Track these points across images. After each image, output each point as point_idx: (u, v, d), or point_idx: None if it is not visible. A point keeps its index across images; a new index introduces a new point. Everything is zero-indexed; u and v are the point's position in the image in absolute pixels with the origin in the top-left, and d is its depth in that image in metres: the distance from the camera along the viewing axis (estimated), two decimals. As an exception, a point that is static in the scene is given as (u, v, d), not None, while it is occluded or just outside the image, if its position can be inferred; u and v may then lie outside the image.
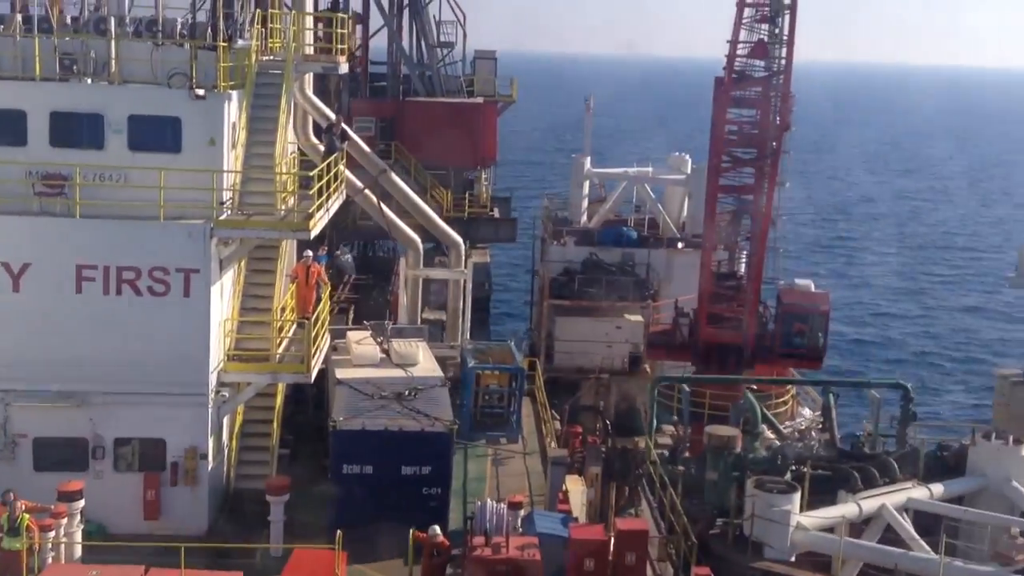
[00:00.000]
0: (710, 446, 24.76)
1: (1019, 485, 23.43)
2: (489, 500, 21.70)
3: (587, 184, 53.56)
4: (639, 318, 46.38)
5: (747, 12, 34.94)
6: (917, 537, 21.42)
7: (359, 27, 57.59)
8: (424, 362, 28.01)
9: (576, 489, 30.39)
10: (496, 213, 57.97)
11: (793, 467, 23.66)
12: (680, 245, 49.47)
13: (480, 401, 30.00)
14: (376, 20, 55.48)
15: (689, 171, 52.27)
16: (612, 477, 35.51)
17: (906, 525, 21.86)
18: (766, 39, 34.71)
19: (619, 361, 46.04)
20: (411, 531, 20.84)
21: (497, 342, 33.13)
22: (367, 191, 32.60)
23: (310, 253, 27.71)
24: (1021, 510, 22.94)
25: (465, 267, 34.62)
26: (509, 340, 32.73)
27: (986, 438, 24.20)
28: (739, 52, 35.37)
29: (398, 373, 27.03)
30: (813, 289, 40.97)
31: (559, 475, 25.59)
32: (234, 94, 24.52)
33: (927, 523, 22.92)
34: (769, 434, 28.01)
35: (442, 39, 55.35)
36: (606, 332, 46.55)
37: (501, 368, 30.03)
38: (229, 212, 23.81)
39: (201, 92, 23.51)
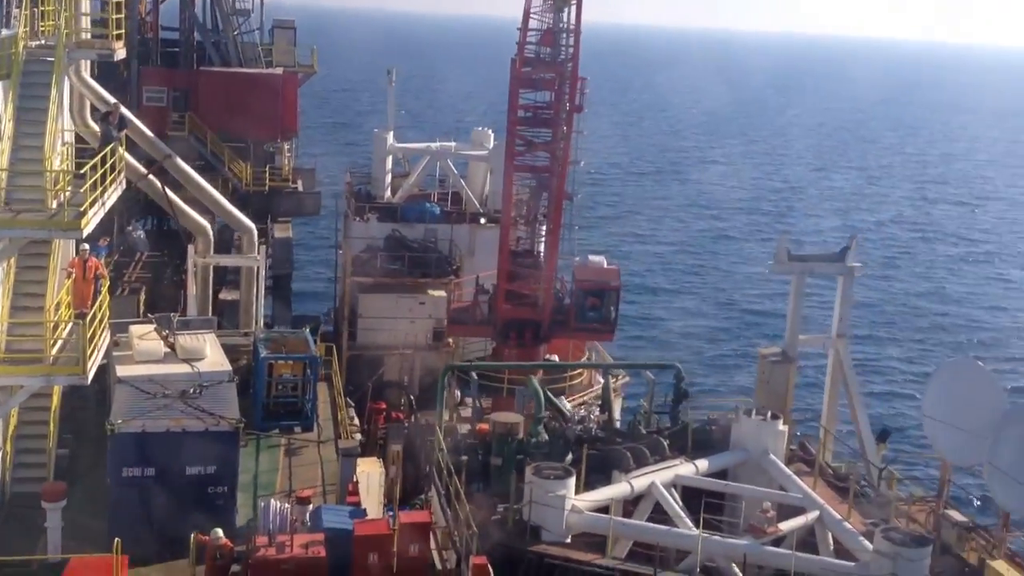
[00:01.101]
0: (494, 433, 25.58)
1: (776, 458, 25.34)
2: (272, 500, 21.76)
3: (390, 159, 53.40)
4: (442, 293, 46.94)
5: (536, 1, 35.75)
6: (681, 513, 22.90)
7: (149, -8, 55.41)
8: (211, 356, 27.55)
9: (374, 472, 30.82)
10: (300, 186, 57.25)
11: (573, 449, 24.75)
12: (483, 221, 50.13)
13: (273, 391, 29.80)
14: (167, -16, 53.58)
15: (491, 147, 52.92)
16: (415, 453, 36.26)
17: (672, 502, 23.32)
18: (552, 27, 35.56)
19: (423, 336, 46.56)
20: (192, 535, 20.71)
21: (291, 331, 32.82)
22: (151, 177, 31.57)
23: (87, 246, 26.66)
24: (778, 483, 24.85)
25: (259, 253, 34.04)
26: (305, 328, 32.52)
27: (747, 414, 26.00)
28: (529, 40, 36.10)
29: (183, 369, 26.49)
30: (606, 265, 42.43)
31: (349, 466, 25.87)
32: (-2, 84, 23.32)
33: (707, 498, 24.40)
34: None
35: (238, 7, 53.87)
36: (409, 308, 46.88)
37: (294, 357, 29.89)
38: (-6, 209, 22.72)
39: (-42, 84, 22.26)
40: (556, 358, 46.27)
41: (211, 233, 33.88)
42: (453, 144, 53.86)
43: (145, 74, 51.66)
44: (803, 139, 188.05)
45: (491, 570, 19.70)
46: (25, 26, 24.90)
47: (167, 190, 32.18)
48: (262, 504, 21.59)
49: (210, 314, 34.16)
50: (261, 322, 34.31)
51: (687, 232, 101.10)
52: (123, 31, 28.70)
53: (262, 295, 34.39)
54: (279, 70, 53.50)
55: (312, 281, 67.45)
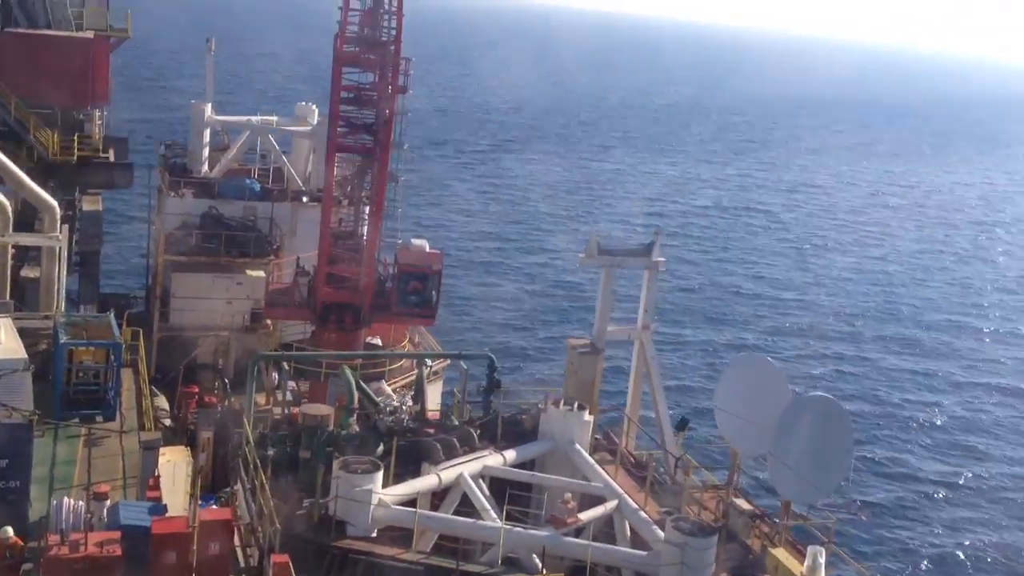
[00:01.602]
0: (304, 425, 25.35)
1: (581, 448, 26.15)
2: (65, 497, 20.95)
3: (208, 131, 51.67)
4: (261, 274, 45.88)
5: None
6: (487, 505, 23.34)
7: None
8: (5, 342, 26.23)
9: (180, 461, 29.95)
10: (112, 157, 54.74)
11: (384, 441, 24.81)
12: (305, 199, 49.29)
13: (73, 378, 28.55)
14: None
15: (315, 123, 51.96)
16: (227, 440, 35.30)
17: (478, 493, 23.73)
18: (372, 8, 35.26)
19: (240, 318, 45.49)
20: (-25, 537, 19.76)
21: (94, 315, 31.49)
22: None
23: None
24: (582, 472, 25.65)
25: (61, 232, 32.42)
26: (109, 312, 31.21)
27: (555, 405, 26.70)
28: (350, 20, 35.62)
29: (-27, 356, 25.15)
30: (428, 249, 42.52)
31: (151, 459, 25.11)
32: None
33: (513, 489, 24.90)
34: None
35: (47, -36, 50.90)
36: (226, 288, 45.62)
37: (96, 344, 28.71)
38: None
39: None
40: (379, 340, 46.19)
41: (9, 211, 32.02)
42: (275, 118, 52.69)
43: (-59, 35, 48.31)
44: (622, 123, 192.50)
45: (292, 567, 19.59)
46: None
47: (-41, 164, 30.15)
48: (54, 501, 20.75)
49: (8, 294, 32.32)
50: (62, 304, 32.68)
51: (507, 218, 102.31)
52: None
53: (63, 276, 32.75)
54: (89, 33, 50.94)
55: (124, 258, 64.67)
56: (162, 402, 43.29)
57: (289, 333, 45.80)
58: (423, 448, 24.82)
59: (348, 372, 26.72)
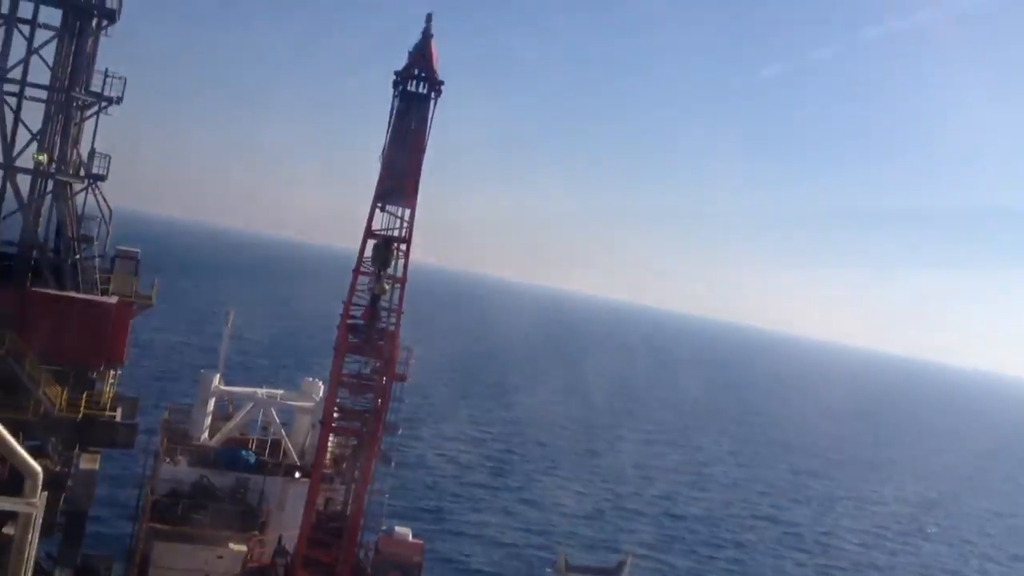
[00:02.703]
0: None
1: None
2: None
3: (212, 400, 52.52)
4: (244, 548, 45.27)
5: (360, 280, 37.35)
6: None
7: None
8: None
9: None
10: (119, 415, 55.41)
11: None
12: (297, 475, 49.21)
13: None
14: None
15: (319, 398, 52.72)
16: None
17: None
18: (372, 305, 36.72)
19: (217, 592, 44.52)
20: None
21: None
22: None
23: None
24: None
25: (39, 500, 32.35)
26: None
27: None
28: (352, 312, 37.06)
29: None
30: (411, 539, 41.88)
31: None
32: None
33: None
34: None
35: (83, 232, 53.78)
36: (206, 560, 45.06)
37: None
38: None
39: None
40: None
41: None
42: (280, 392, 53.52)
43: (-31, 290, 50.51)
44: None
45: None
46: None
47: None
48: None
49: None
50: (29, 573, 32.11)
51: (486, 512, 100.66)
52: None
53: (35, 543, 32.38)
54: (114, 298, 53.00)
55: (113, 517, 63.93)
56: None
57: (266, 613, 44.49)
58: None
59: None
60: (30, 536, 32.50)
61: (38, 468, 33.00)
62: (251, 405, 52.51)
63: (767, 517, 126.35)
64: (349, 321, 37.01)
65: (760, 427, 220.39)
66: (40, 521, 32.67)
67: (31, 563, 32.88)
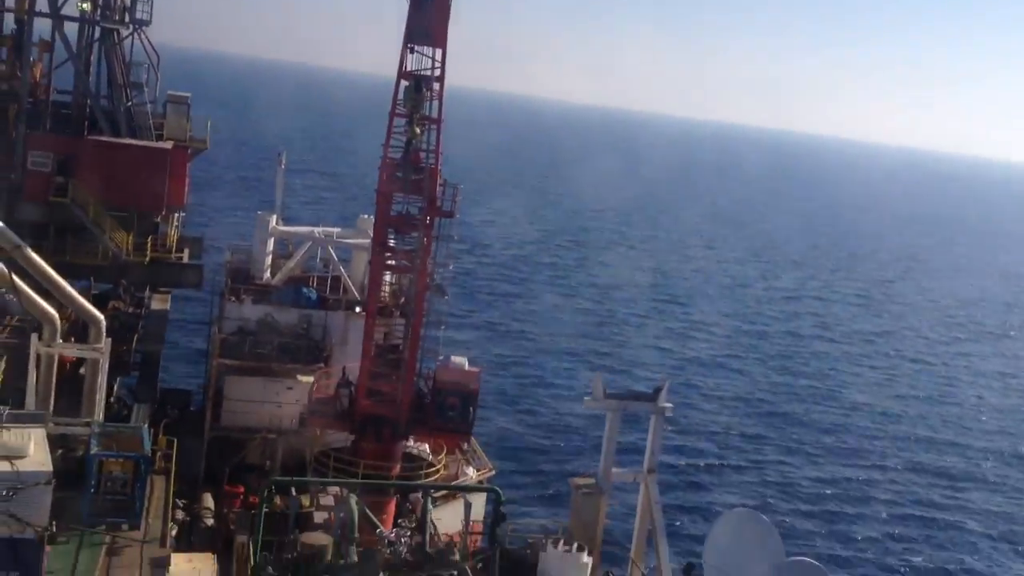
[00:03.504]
0: (301, 555, 25.93)
1: (577, 589, 26.13)
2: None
3: (271, 240, 53.76)
4: (311, 379, 47.22)
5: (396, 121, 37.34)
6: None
7: (46, 55, 55.52)
8: (34, 455, 27.52)
9: (205, 568, 30.56)
10: (186, 255, 57.25)
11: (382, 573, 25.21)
12: (358, 309, 50.66)
13: (102, 487, 29.77)
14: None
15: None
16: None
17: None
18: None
19: (288, 421, 46.80)
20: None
21: (129, 425, 32.82)
22: (-1, 264, 31.57)
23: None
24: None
25: (104, 344, 34.08)
26: (143, 424, 32.56)
27: (554, 544, 26.81)
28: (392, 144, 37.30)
29: (3, 467, 26.47)
30: (467, 367, 43.18)
31: (160, 576, 25.89)
32: None
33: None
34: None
35: (132, 79, 54.26)
36: (276, 393, 47.16)
37: (125, 455, 29.96)
38: None
39: None
40: (426, 447, 46.71)
41: (57, 322, 33.81)
42: (336, 230, 54.52)
43: (31, 139, 51.72)
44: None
45: None
46: None
47: (14, 277, 32.13)
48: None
49: (52, 402, 33.92)
50: (100, 414, 34.17)
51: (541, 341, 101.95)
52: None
53: (103, 384, 34.31)
54: (168, 143, 53.86)
55: (188, 355, 66.88)
56: (208, 501, 44.57)
57: (335, 439, 46.68)
58: (415, 583, 25.15)
59: (352, 502, 27.27)
60: (99, 379, 34.31)
61: (100, 316, 34.56)
62: (309, 244, 53.67)
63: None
64: (388, 160, 37.25)
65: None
66: (106, 365, 34.42)
67: (102, 403, 34.80)
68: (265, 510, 28.35)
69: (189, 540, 40.35)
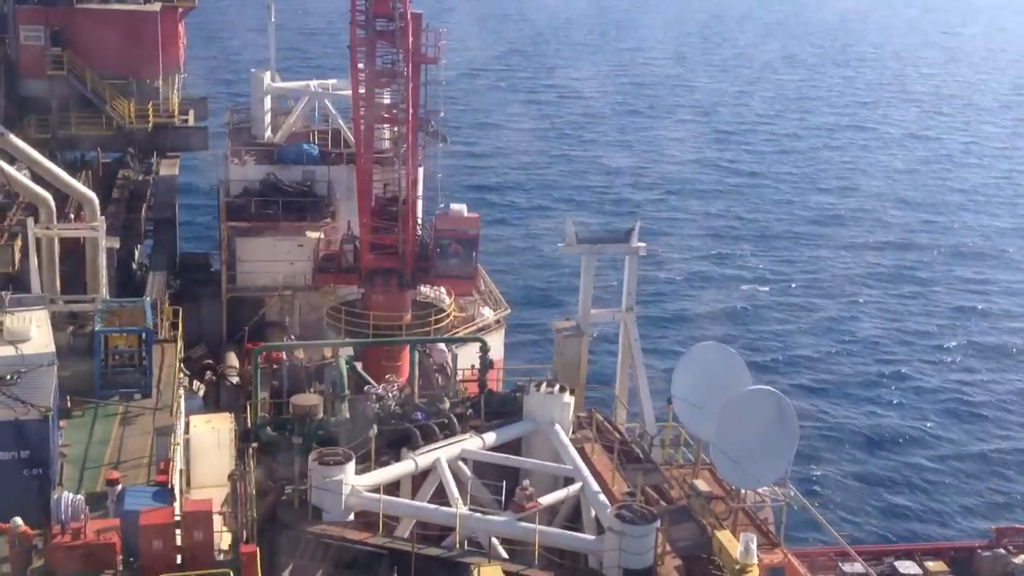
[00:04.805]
0: (294, 414, 27.16)
1: (560, 429, 27.20)
2: (65, 492, 23.25)
3: (268, 98, 53.55)
4: (321, 235, 47.98)
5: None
6: (455, 490, 24.75)
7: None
8: (37, 337, 28.56)
9: (223, 428, 32.12)
10: (191, 118, 57.46)
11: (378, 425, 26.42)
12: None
13: (110, 361, 31.01)
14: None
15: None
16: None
17: (449, 478, 25.15)
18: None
19: (302, 277, 47.83)
20: (-12, 525, 22.22)
21: (131, 300, 33.83)
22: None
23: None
24: (558, 454, 26.71)
25: (100, 223, 34.82)
26: (145, 298, 33.55)
27: (536, 387, 27.75)
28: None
29: (7, 351, 27.54)
30: (466, 213, 43.51)
31: (164, 446, 27.26)
32: None
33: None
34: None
35: (111, -58, 53.25)
36: (287, 251, 47.98)
37: (128, 330, 31.04)
38: None
39: None
40: (443, 291, 47.54)
41: (52, 203, 34.52)
42: (332, 82, 54.04)
43: (20, 13, 51.47)
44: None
45: (260, 556, 21.48)
46: None
47: (1, 163, 32.71)
48: (54, 496, 23.08)
49: (58, 283, 34.99)
50: (104, 290, 35.25)
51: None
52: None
53: (103, 264, 35.24)
54: (156, 5, 53.27)
55: (200, 222, 67.81)
56: (232, 360, 46.28)
57: (347, 292, 47.73)
58: (405, 434, 26.35)
59: (342, 361, 28.33)
60: (100, 257, 35.15)
61: (92, 195, 35.15)
62: (306, 99, 53.40)
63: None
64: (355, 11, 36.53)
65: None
66: (104, 242, 35.19)
67: (103, 277, 35.66)
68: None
69: (217, 398, 42.20)
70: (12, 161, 33.95)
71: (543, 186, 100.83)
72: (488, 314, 49.37)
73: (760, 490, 24.23)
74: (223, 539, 23.49)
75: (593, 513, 24.75)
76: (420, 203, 45.83)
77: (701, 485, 25.49)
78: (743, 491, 24.71)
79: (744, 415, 23.85)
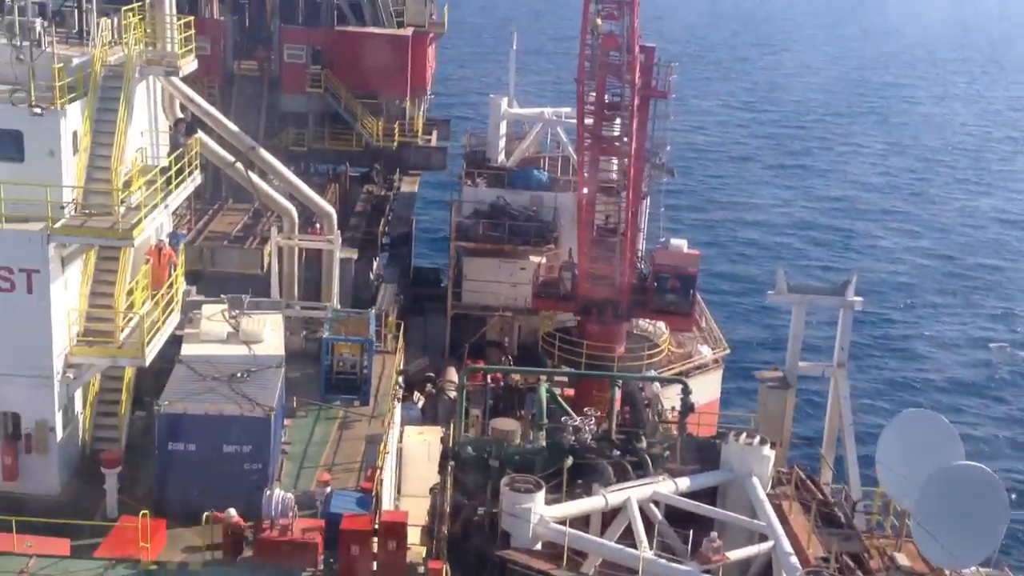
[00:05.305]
0: (493, 437, 27.83)
1: (758, 482, 26.47)
2: (277, 490, 24.87)
3: (504, 123, 55.20)
4: (543, 260, 49.05)
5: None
6: (642, 532, 24.57)
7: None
8: (269, 339, 30.73)
9: (435, 440, 33.45)
10: (434, 139, 60.14)
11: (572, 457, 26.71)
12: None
13: (335, 367, 32.96)
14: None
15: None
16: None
17: (638, 519, 24.99)
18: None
19: (523, 300, 49.00)
20: (205, 515, 24.14)
21: (357, 311, 35.79)
22: (237, 164, 34.78)
23: (165, 237, 30.59)
24: (752, 508, 25.98)
25: (335, 236, 37.01)
26: (371, 310, 35.43)
27: (735, 437, 27.14)
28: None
29: (241, 351, 29.82)
30: (686, 250, 43.28)
31: (373, 452, 28.64)
32: (74, 106, 26.81)
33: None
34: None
35: (372, -29, 56.58)
36: (510, 273, 49.30)
37: (352, 340, 32.89)
38: (71, 215, 26.47)
39: (38, 110, 25.85)
40: (662, 325, 47.35)
41: (295, 215, 36.99)
42: (566, 110, 55.07)
43: (285, 32, 55.54)
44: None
45: (448, 570, 22.19)
46: (104, 45, 28.25)
47: (252, 176, 35.34)
48: (266, 493, 24.74)
49: (296, 291, 37.41)
50: (336, 300, 37.45)
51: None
52: (192, 47, 31.71)
53: (336, 271, 37.50)
54: (409, 30, 56.15)
55: (437, 236, 70.40)
56: (452, 375, 47.96)
57: (567, 317, 48.41)
58: (597, 469, 26.46)
59: (543, 390, 28.78)
60: (334, 268, 37.36)
61: (331, 209, 37.42)
62: (539, 125, 54.69)
63: None
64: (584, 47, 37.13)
65: None
66: (339, 254, 37.37)
67: (336, 287, 37.79)
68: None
69: (435, 412, 43.79)
70: (263, 175, 36.56)
71: (774, 227, 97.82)
72: (706, 352, 48.78)
73: (966, 571, 22.65)
74: (416, 551, 24.42)
75: (783, 575, 23.95)
76: (642, 236, 46.02)
77: (902, 559, 24.19)
78: (948, 572, 23.25)
79: (950, 490, 22.45)
